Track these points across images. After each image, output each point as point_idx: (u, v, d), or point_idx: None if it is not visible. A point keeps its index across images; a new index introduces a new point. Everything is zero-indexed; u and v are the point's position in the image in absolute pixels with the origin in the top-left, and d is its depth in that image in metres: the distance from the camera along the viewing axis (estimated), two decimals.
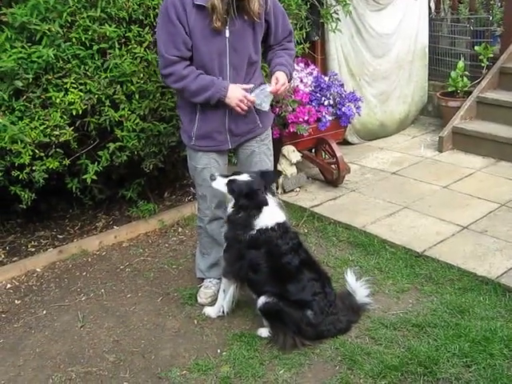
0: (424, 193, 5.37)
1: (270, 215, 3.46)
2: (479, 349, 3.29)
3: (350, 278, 3.76)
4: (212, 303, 3.85)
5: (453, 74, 6.76)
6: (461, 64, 6.73)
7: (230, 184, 3.46)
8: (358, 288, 3.71)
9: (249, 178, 3.45)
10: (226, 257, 3.61)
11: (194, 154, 3.70)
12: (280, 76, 3.51)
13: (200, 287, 4.01)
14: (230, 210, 3.51)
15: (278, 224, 3.48)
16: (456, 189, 5.43)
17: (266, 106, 3.53)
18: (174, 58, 3.33)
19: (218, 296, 3.82)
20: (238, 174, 3.51)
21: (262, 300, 3.46)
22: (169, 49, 3.31)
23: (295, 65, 5.66)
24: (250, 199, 3.39)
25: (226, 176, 3.51)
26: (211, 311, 3.79)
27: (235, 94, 3.40)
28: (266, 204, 3.39)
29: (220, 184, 3.50)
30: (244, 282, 3.64)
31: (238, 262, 3.52)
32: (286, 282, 3.45)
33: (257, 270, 3.49)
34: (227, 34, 3.34)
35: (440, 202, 5.17)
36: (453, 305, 3.70)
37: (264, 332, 3.55)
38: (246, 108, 3.45)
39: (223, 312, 3.75)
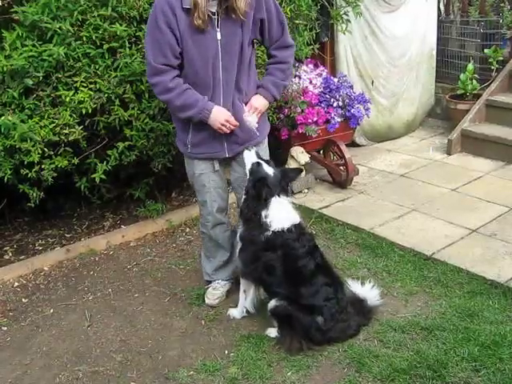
0: (433, 195, 5.34)
1: (285, 216, 3.45)
2: (488, 353, 3.26)
3: (355, 285, 3.74)
4: (220, 304, 3.87)
5: (462, 76, 6.74)
6: (470, 67, 6.70)
7: (254, 164, 3.47)
8: (368, 292, 3.70)
9: (271, 172, 3.45)
10: (242, 257, 3.58)
11: (191, 161, 3.67)
12: (253, 101, 3.53)
13: (207, 288, 4.00)
14: (243, 196, 3.55)
15: (295, 225, 3.47)
16: (465, 192, 5.41)
17: (254, 124, 3.54)
18: (162, 67, 3.28)
19: (225, 296, 3.88)
20: (268, 162, 3.52)
21: (272, 303, 3.45)
22: (156, 56, 3.27)
23: (304, 66, 5.68)
24: (257, 189, 3.39)
25: (258, 157, 3.51)
26: (236, 313, 3.77)
27: (218, 117, 3.38)
28: (268, 201, 3.40)
29: (249, 158, 3.50)
30: (259, 284, 3.63)
31: (253, 264, 3.50)
32: (299, 286, 3.43)
33: (271, 272, 3.46)
34: (219, 37, 3.29)
35: (449, 204, 5.15)
36: (462, 308, 3.68)
37: (273, 332, 3.54)
38: (227, 131, 3.44)
39: (247, 312, 3.73)
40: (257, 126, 3.56)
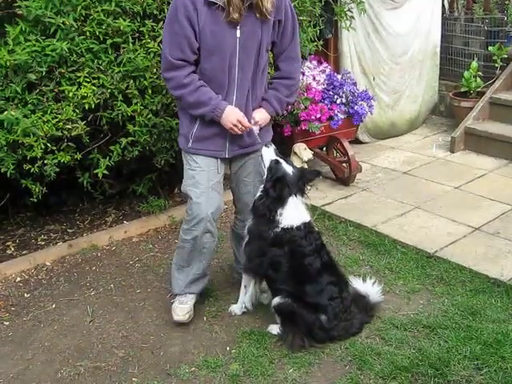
0: (436, 193, 5.34)
1: (297, 214, 3.44)
2: (490, 351, 3.26)
3: (356, 282, 3.74)
4: (190, 319, 3.66)
5: (466, 74, 6.73)
6: (474, 64, 6.69)
7: (273, 162, 3.45)
8: (370, 288, 3.70)
9: (290, 170, 3.44)
10: (247, 251, 3.58)
11: (190, 158, 3.53)
12: (256, 114, 3.48)
13: (173, 302, 3.75)
14: (258, 193, 3.51)
15: (304, 223, 3.46)
16: (468, 190, 5.41)
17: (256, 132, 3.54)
18: (178, 62, 3.22)
19: (193, 310, 3.71)
20: (287, 161, 3.51)
21: (276, 300, 3.45)
22: (173, 51, 3.21)
23: (308, 62, 5.67)
24: (276, 187, 3.38)
25: (277, 154, 3.49)
26: (236, 309, 3.76)
27: (230, 117, 3.31)
28: (285, 200, 3.39)
29: (268, 155, 3.48)
30: (262, 279, 3.63)
31: (259, 258, 3.49)
32: (304, 283, 3.42)
33: (277, 269, 3.46)
34: (238, 34, 3.23)
35: (452, 202, 5.14)
36: (464, 306, 3.68)
37: (275, 329, 3.54)
38: (239, 132, 3.38)
39: (246, 308, 3.73)
40: (257, 132, 3.54)
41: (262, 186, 3.50)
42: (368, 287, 3.72)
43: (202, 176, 3.50)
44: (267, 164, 3.47)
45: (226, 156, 3.54)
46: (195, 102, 3.30)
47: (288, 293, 3.41)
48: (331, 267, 3.54)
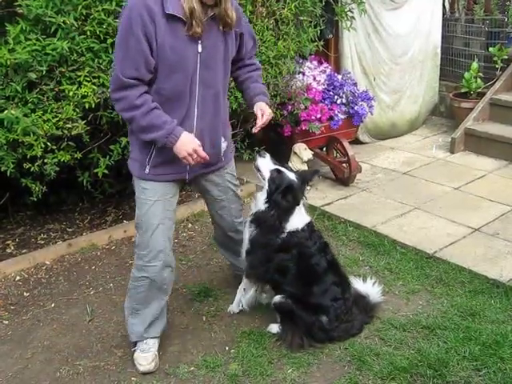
0: (435, 194, 5.34)
1: (300, 217, 3.42)
2: (489, 352, 3.26)
3: (357, 282, 3.74)
4: (157, 366, 3.31)
5: (466, 74, 6.73)
6: (475, 65, 6.69)
7: (274, 172, 3.33)
8: (370, 288, 3.70)
9: (293, 177, 3.35)
10: (250, 260, 3.47)
11: (146, 185, 3.18)
12: (267, 110, 3.28)
13: (134, 351, 3.38)
14: (259, 205, 3.37)
15: (307, 224, 3.45)
16: (468, 190, 5.41)
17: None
18: (130, 81, 2.86)
19: (158, 356, 3.38)
20: (286, 167, 3.43)
21: (277, 298, 3.44)
22: (126, 68, 2.85)
23: (309, 63, 5.69)
24: (287, 198, 3.29)
25: (274, 163, 3.39)
26: (233, 307, 3.75)
27: (186, 146, 2.97)
28: (298, 205, 3.36)
29: (266, 165, 3.35)
30: (266, 284, 3.60)
31: (264, 266, 3.43)
32: (312, 284, 3.41)
33: (285, 273, 3.42)
34: (199, 49, 2.93)
35: (451, 203, 5.15)
36: (463, 307, 3.68)
37: (274, 328, 3.54)
38: (193, 163, 3.02)
39: (243, 306, 3.71)
40: (224, 149, 3.33)
41: (264, 197, 3.34)
42: (368, 287, 3.72)
43: (158, 207, 3.20)
44: (267, 175, 3.35)
45: (187, 177, 3.25)
46: (147, 126, 2.94)
47: (290, 294, 3.40)
48: (335, 266, 3.54)
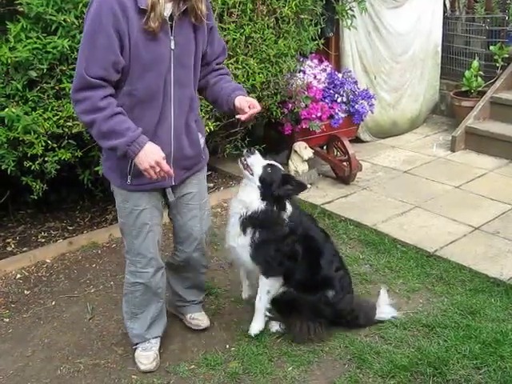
0: (436, 192, 5.34)
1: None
2: (490, 351, 3.27)
3: (383, 295, 3.68)
4: (158, 366, 3.31)
5: (467, 73, 6.72)
6: (475, 64, 6.69)
7: (267, 167, 3.24)
8: (383, 306, 3.61)
9: (282, 169, 3.35)
10: (264, 261, 3.32)
11: (129, 195, 2.99)
12: (252, 100, 3.01)
13: (135, 349, 3.36)
14: (253, 206, 3.23)
15: (291, 203, 3.39)
16: (468, 189, 5.41)
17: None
18: (96, 81, 2.64)
19: (159, 356, 3.36)
20: (275, 160, 3.42)
21: (280, 291, 3.43)
22: (92, 67, 2.62)
23: (309, 61, 5.68)
24: (291, 183, 3.25)
25: (264, 158, 3.31)
26: (243, 294, 3.71)
27: (148, 157, 2.72)
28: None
29: (257, 162, 3.24)
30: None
31: (279, 258, 3.33)
32: (318, 258, 3.42)
33: (295, 256, 3.37)
34: (172, 46, 2.76)
35: (452, 202, 5.15)
36: (464, 306, 3.68)
37: (274, 326, 3.54)
38: (154, 177, 2.77)
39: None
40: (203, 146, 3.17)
41: (259, 197, 3.22)
42: (383, 302, 3.63)
43: (146, 215, 3.05)
44: (259, 171, 3.23)
45: (174, 183, 3.05)
46: (108, 132, 2.69)
47: (298, 281, 3.38)
48: (327, 237, 3.59)
